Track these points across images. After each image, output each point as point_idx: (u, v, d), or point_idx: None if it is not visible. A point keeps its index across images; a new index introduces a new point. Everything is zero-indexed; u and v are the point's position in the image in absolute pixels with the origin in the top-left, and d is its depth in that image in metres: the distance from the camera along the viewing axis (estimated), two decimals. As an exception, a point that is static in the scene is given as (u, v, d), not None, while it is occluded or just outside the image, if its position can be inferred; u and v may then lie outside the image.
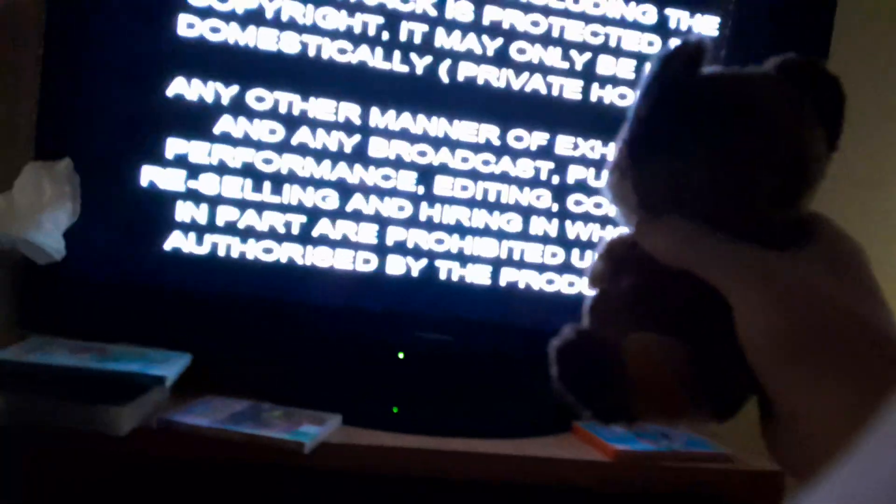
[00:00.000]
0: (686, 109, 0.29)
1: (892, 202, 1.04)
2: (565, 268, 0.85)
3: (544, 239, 0.84)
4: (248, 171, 0.78)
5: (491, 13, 0.81)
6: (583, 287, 0.86)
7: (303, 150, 0.78)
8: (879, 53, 1.00)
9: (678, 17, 0.85)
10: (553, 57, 0.82)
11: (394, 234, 0.81)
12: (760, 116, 0.29)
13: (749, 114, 0.29)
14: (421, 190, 0.81)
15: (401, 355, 0.83)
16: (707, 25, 0.86)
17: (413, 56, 0.79)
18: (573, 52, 0.83)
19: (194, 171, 0.77)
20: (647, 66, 0.30)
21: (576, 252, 0.85)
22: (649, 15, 0.84)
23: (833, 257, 0.29)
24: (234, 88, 0.77)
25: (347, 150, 0.79)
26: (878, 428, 0.14)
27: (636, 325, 0.30)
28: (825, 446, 0.26)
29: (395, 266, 0.81)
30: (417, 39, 0.79)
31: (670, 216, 0.29)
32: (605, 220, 0.85)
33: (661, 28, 0.84)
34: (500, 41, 0.81)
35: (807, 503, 0.14)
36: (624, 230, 0.32)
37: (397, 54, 0.79)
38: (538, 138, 0.83)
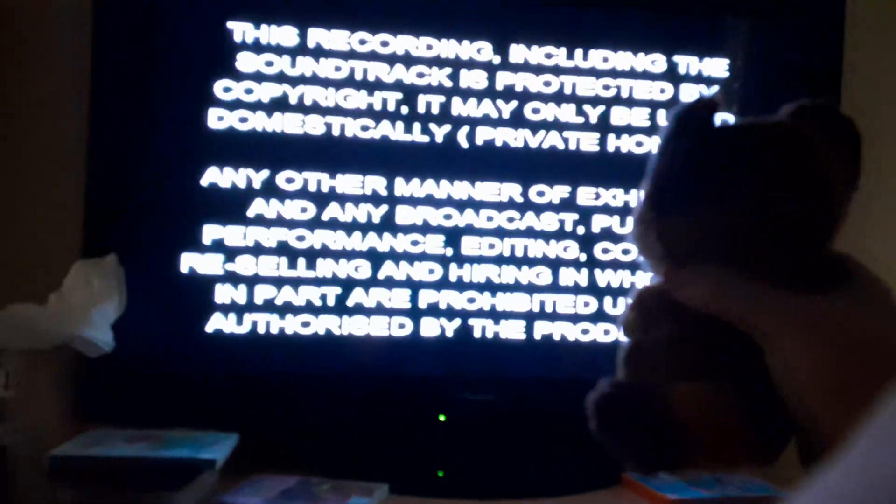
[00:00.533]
0: (704, 161, 0.30)
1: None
2: (599, 316, 0.85)
3: (575, 289, 0.85)
4: (282, 249, 0.80)
5: (504, 78, 0.83)
6: (618, 335, 0.86)
7: (333, 224, 0.81)
8: (891, 83, 1.01)
9: (687, 63, 0.87)
10: (567, 113, 0.84)
11: (426, 297, 0.83)
12: (777, 161, 0.30)
13: (765, 159, 0.30)
14: (449, 252, 0.83)
15: (442, 418, 0.84)
16: (716, 68, 0.87)
17: (432, 126, 0.82)
18: (587, 107, 0.85)
19: (231, 253, 0.80)
20: (663, 118, 0.32)
21: (608, 300, 0.86)
22: (658, 63, 0.86)
23: (866, 295, 0.29)
24: (265, 173, 0.80)
25: (376, 220, 0.82)
26: (866, 431, 0.15)
27: (673, 373, 0.31)
28: None
29: (430, 328, 0.83)
30: (435, 110, 0.82)
31: (697, 265, 0.30)
32: (634, 266, 0.85)
33: (671, 74, 0.86)
34: (514, 104, 0.83)
35: (797, 501, 0.15)
36: (653, 278, 0.33)
37: (417, 126, 0.82)
38: (560, 191, 0.85)
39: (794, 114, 0.32)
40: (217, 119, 0.79)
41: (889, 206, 1.01)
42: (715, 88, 0.87)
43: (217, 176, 0.79)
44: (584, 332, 0.85)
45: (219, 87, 0.79)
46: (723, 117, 0.31)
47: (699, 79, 0.87)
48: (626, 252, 0.86)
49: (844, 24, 0.89)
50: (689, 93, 0.87)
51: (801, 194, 0.30)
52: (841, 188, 0.31)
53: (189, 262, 0.79)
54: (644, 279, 0.34)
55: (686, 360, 0.31)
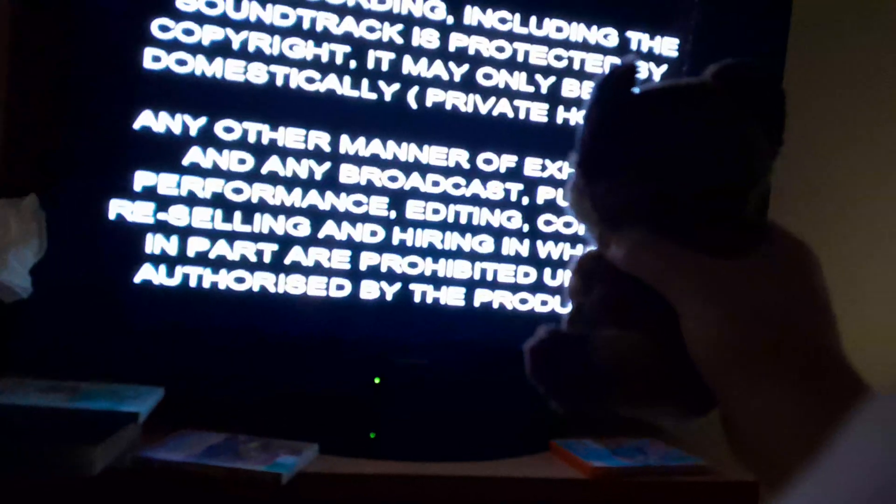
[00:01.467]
0: (626, 126, 0.30)
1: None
2: (538, 287, 0.86)
3: (516, 259, 0.85)
4: (218, 201, 0.77)
5: (456, 40, 0.82)
6: (556, 305, 0.87)
7: (273, 178, 0.79)
8: (833, 64, 1.04)
9: (639, 39, 0.87)
10: (519, 81, 0.84)
11: (367, 260, 0.81)
12: (696, 123, 0.30)
13: (684, 122, 0.30)
14: (393, 214, 0.82)
15: (377, 381, 0.83)
16: (666, 47, 0.88)
17: (381, 83, 0.80)
18: (538, 76, 0.84)
19: (163, 202, 0.76)
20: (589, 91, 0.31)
21: (548, 271, 0.86)
22: (611, 38, 0.86)
23: (782, 265, 0.30)
24: (203, 120, 0.76)
25: (318, 177, 0.80)
26: (836, 445, 0.15)
27: (608, 332, 0.32)
28: (764, 445, 0.27)
29: (369, 291, 0.82)
30: (385, 67, 0.80)
31: (629, 228, 0.30)
32: (575, 239, 0.86)
33: (623, 50, 0.87)
34: (466, 67, 0.82)
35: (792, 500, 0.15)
36: (591, 242, 0.33)
37: (365, 82, 0.80)
38: (507, 161, 0.84)
39: (717, 74, 0.32)
40: (153, 59, 0.75)
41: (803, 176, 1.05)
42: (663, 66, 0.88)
43: (151, 120, 0.75)
44: (523, 301, 0.86)
45: (156, 26, 0.75)
46: (643, 82, 0.31)
47: (650, 56, 0.88)
48: (567, 225, 0.86)
49: (791, 4, 0.91)
50: (640, 69, 0.88)
51: (718, 155, 0.30)
52: (762, 148, 0.31)
53: (118, 208, 0.76)
54: (584, 250, 0.34)
55: (620, 319, 0.31)
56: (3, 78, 0.73)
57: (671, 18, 0.88)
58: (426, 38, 0.81)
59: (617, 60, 0.86)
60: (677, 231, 0.30)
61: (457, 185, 0.83)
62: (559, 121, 0.85)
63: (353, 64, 0.79)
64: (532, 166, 0.85)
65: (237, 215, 0.78)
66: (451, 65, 0.82)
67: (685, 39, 0.88)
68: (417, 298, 0.83)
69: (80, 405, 0.66)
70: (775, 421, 0.27)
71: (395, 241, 0.82)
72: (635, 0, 0.88)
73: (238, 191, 0.78)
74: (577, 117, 0.86)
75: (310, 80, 0.79)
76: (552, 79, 0.85)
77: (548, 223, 0.86)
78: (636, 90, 0.31)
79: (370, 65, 0.80)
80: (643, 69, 0.32)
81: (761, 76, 0.32)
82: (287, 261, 0.79)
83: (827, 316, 0.29)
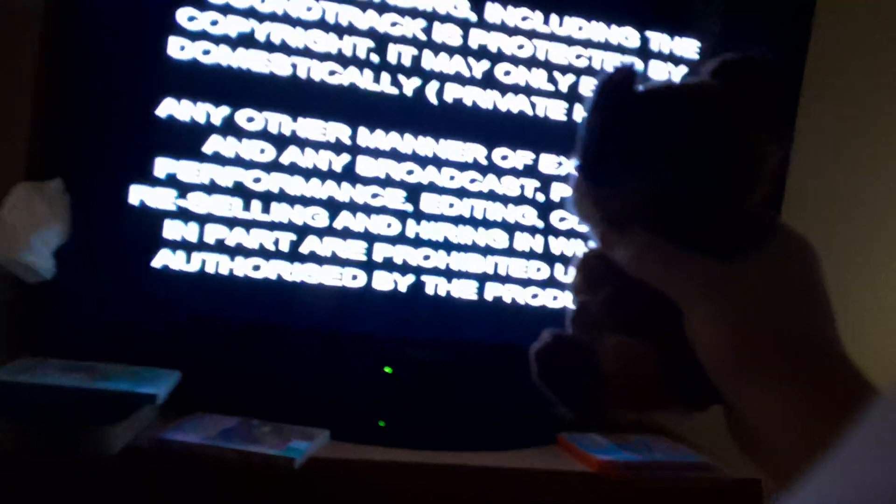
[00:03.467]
0: (626, 128, 0.31)
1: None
2: (549, 282, 0.87)
3: (529, 255, 0.86)
4: (237, 189, 0.79)
5: (478, 37, 0.82)
6: (567, 301, 0.88)
7: (292, 168, 0.80)
8: (855, 62, 1.04)
9: (659, 41, 0.87)
10: (538, 79, 0.84)
11: (381, 251, 0.82)
12: (695, 123, 0.30)
13: (683, 122, 0.30)
14: (408, 207, 0.83)
15: (388, 370, 0.84)
16: (686, 48, 0.88)
17: (401, 77, 0.81)
18: (557, 74, 0.85)
19: (183, 189, 0.77)
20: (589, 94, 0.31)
21: (560, 267, 0.87)
22: (631, 39, 0.87)
23: (784, 265, 0.30)
24: (225, 109, 0.77)
25: (336, 168, 0.81)
26: (844, 445, 0.16)
27: (612, 330, 0.32)
28: (771, 443, 0.28)
29: (383, 282, 0.83)
30: (406, 62, 0.81)
31: (632, 229, 0.31)
32: (588, 236, 0.87)
33: (643, 51, 0.87)
34: (486, 64, 0.83)
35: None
36: (595, 241, 0.34)
37: (386, 76, 0.80)
38: (523, 157, 0.85)
39: (715, 71, 0.31)
40: (178, 49, 0.76)
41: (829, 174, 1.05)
42: (683, 69, 0.88)
43: (174, 108, 0.76)
44: (534, 296, 0.87)
45: (182, 16, 0.76)
46: (642, 84, 0.31)
47: (669, 57, 0.88)
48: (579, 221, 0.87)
49: (814, 4, 0.90)
50: (659, 70, 0.88)
51: (718, 154, 0.30)
52: (762, 147, 0.31)
53: (139, 194, 0.77)
54: (587, 248, 0.34)
55: (623, 318, 0.32)
56: (35, 67, 0.74)
57: (692, 20, 0.88)
58: (448, 34, 0.82)
59: (637, 61, 0.87)
60: (680, 232, 0.30)
61: (473, 180, 0.84)
62: (577, 119, 0.85)
63: (374, 58, 0.80)
64: (548, 163, 0.86)
65: (256, 204, 0.79)
66: (472, 60, 0.82)
67: (706, 41, 0.88)
68: (430, 291, 0.84)
69: (99, 386, 0.67)
70: (782, 419, 0.27)
71: (409, 234, 0.83)
72: (656, 1, 0.88)
73: (257, 180, 0.79)
74: (594, 116, 0.86)
75: (331, 73, 0.79)
76: (571, 77, 0.85)
77: (562, 220, 0.87)
78: (636, 91, 0.31)
79: (391, 59, 0.80)
80: (642, 70, 0.32)
81: (760, 70, 0.31)
82: (303, 250, 0.81)
83: (828, 312, 0.30)
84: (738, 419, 0.30)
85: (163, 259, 0.78)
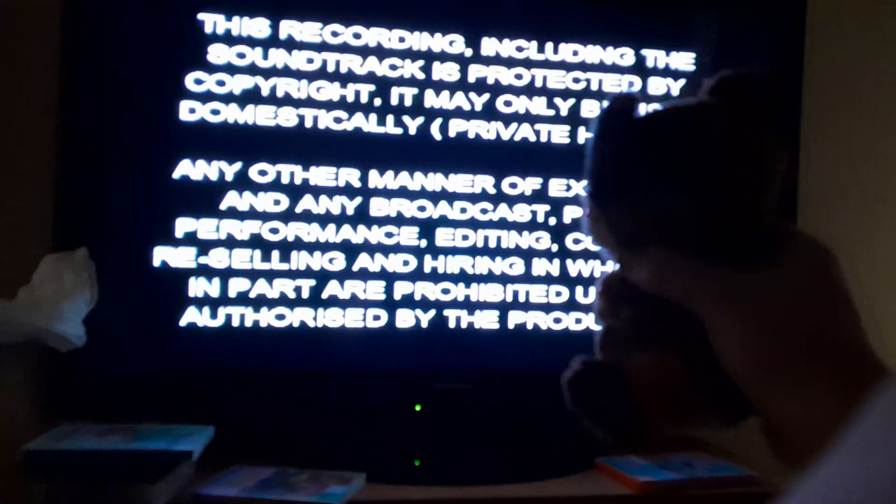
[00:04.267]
0: (630, 152, 0.31)
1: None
2: (570, 306, 0.87)
3: (547, 279, 0.86)
4: (256, 241, 0.80)
5: (476, 71, 0.84)
6: (590, 323, 0.88)
7: (307, 216, 0.81)
8: (851, 68, 1.04)
9: (655, 56, 0.89)
10: (539, 106, 0.86)
11: (401, 289, 0.83)
12: (698, 141, 0.31)
13: (686, 141, 0.31)
14: (423, 243, 0.84)
15: (418, 408, 0.84)
16: (682, 62, 0.89)
17: (405, 118, 0.83)
18: (557, 100, 0.86)
19: (204, 247, 0.79)
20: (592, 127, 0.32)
21: (579, 289, 0.87)
22: (627, 57, 0.88)
23: (804, 270, 0.30)
24: (238, 165, 0.80)
25: (350, 212, 0.82)
26: (847, 438, 0.16)
27: (640, 350, 0.33)
28: (807, 450, 0.28)
29: (405, 319, 0.83)
30: (408, 102, 0.83)
31: (649, 249, 0.31)
32: (605, 257, 0.87)
33: (640, 68, 0.88)
34: (486, 96, 0.84)
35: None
36: (613, 264, 0.34)
37: (390, 118, 0.82)
38: (532, 183, 0.86)
39: (713, 88, 0.32)
40: (189, 111, 0.79)
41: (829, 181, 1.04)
42: (681, 81, 0.89)
43: (189, 169, 0.79)
44: (557, 321, 0.87)
45: (190, 80, 0.79)
46: (643, 108, 0.32)
47: (666, 72, 0.89)
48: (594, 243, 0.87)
49: (806, 15, 0.91)
50: (657, 86, 0.89)
51: (724, 169, 0.30)
52: (768, 157, 0.31)
53: (162, 255, 0.79)
54: (606, 270, 0.35)
55: (647, 338, 0.32)
56: (55, 139, 0.78)
57: (686, 33, 0.90)
58: (446, 72, 0.84)
59: (635, 79, 0.88)
60: (696, 247, 0.30)
61: (484, 210, 0.85)
62: (581, 141, 0.86)
63: (377, 101, 0.82)
64: (557, 187, 0.86)
65: (275, 254, 0.81)
66: (472, 95, 0.84)
67: (702, 52, 0.90)
68: (452, 324, 0.84)
69: (137, 446, 0.68)
70: (816, 425, 0.27)
71: (427, 269, 0.84)
72: (649, 18, 0.90)
73: (274, 230, 0.81)
74: (598, 137, 0.87)
75: (337, 120, 0.82)
76: (571, 101, 0.86)
77: (576, 241, 0.87)
78: (638, 116, 0.32)
79: (394, 101, 0.82)
80: (641, 88, 0.33)
81: (758, 83, 0.32)
82: (324, 295, 0.82)
83: (853, 314, 0.30)
84: (772, 429, 0.30)
85: (189, 317, 0.79)
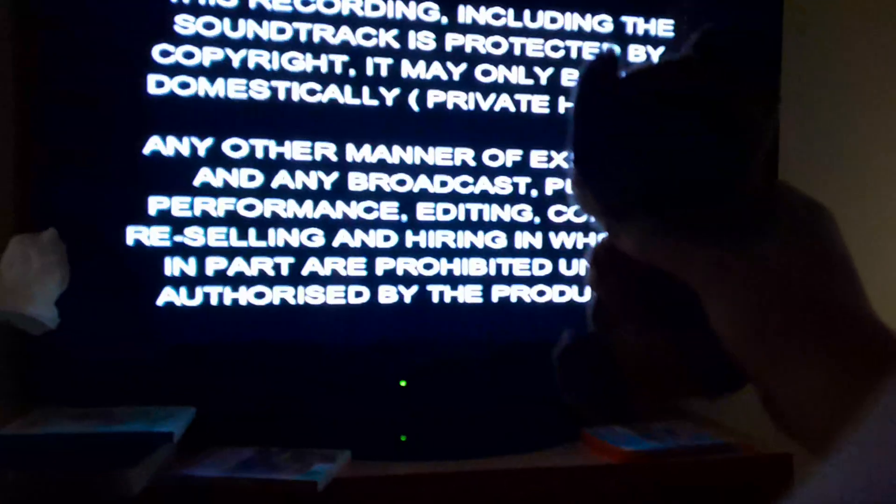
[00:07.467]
0: (613, 115, 0.30)
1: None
2: (554, 278, 0.86)
3: (530, 252, 0.86)
4: (231, 218, 0.79)
5: (452, 39, 0.82)
6: (574, 295, 0.87)
7: (284, 192, 0.79)
8: (830, 32, 1.03)
9: (634, 23, 0.87)
10: (517, 75, 0.84)
11: (382, 264, 0.82)
12: (681, 100, 0.29)
13: (669, 101, 0.30)
14: (404, 218, 0.82)
15: (403, 383, 0.84)
16: (662, 28, 0.88)
17: (382, 89, 0.81)
18: (537, 69, 0.85)
19: (178, 225, 0.77)
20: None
21: (563, 261, 0.86)
22: (606, 24, 0.87)
23: (795, 231, 0.29)
24: (209, 140, 0.78)
25: (328, 187, 0.80)
26: (866, 424, 0.15)
27: (630, 321, 0.32)
28: (809, 418, 0.27)
29: (388, 295, 0.82)
30: (384, 72, 0.81)
31: (634, 217, 0.30)
32: (587, 227, 0.86)
33: (619, 35, 0.87)
34: (464, 66, 0.83)
35: (808, 492, 0.15)
36: (602, 233, 0.33)
37: (366, 89, 0.81)
38: (512, 155, 0.85)
39: (697, 44, 0.31)
40: (156, 85, 0.76)
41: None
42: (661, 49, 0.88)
43: (160, 144, 0.77)
44: (541, 293, 0.86)
45: (157, 52, 0.76)
46: (624, 68, 0.30)
47: (646, 39, 0.88)
48: (579, 214, 0.86)
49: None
50: (637, 53, 0.88)
51: (709, 129, 0.29)
52: (756, 112, 0.30)
53: (135, 234, 0.77)
54: (596, 240, 0.34)
55: (638, 309, 0.31)
56: (16, 120, 0.75)
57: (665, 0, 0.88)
58: (422, 41, 0.82)
59: (615, 46, 0.86)
60: (683, 213, 0.29)
61: (465, 184, 0.84)
62: (561, 111, 0.85)
63: (352, 72, 0.80)
64: (538, 158, 0.85)
65: (252, 231, 0.79)
66: (450, 64, 0.82)
67: (681, 18, 0.88)
68: (435, 299, 0.83)
69: (114, 429, 0.67)
70: (816, 392, 0.27)
71: (408, 244, 0.82)
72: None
73: (250, 207, 0.79)
74: (578, 106, 0.86)
75: (311, 92, 0.80)
76: (551, 70, 0.85)
77: (559, 213, 0.86)
78: (619, 76, 0.30)
79: (369, 72, 0.81)
80: (621, 55, 0.32)
81: (743, 38, 0.31)
82: (304, 272, 0.80)
83: (850, 275, 0.29)
84: (771, 398, 0.29)
85: (166, 296, 0.78)
